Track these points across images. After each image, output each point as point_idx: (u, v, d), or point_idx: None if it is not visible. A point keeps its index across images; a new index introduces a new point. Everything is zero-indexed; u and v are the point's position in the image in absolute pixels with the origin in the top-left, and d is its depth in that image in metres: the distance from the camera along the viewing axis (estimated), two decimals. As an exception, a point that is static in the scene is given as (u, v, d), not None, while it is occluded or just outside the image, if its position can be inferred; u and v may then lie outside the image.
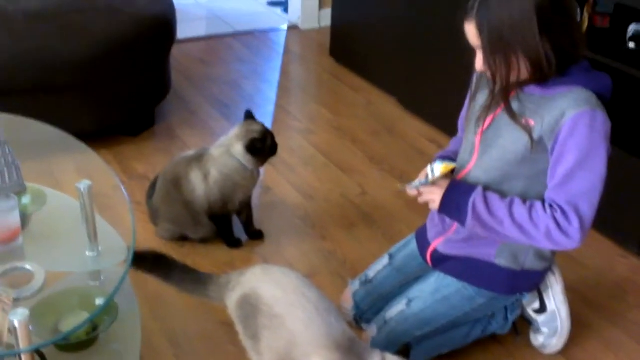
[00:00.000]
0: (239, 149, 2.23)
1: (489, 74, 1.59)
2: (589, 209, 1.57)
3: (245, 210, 2.39)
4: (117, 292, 1.53)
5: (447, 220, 1.78)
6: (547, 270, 1.84)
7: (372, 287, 1.95)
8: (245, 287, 1.67)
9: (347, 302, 1.99)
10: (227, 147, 2.26)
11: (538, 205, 1.59)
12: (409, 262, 1.94)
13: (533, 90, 1.60)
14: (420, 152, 2.95)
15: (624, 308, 2.12)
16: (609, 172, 2.29)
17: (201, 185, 2.26)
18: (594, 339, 2.00)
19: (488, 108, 1.65)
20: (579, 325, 1.98)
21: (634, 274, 2.25)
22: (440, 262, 1.85)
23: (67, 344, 1.67)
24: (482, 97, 1.71)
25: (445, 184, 1.70)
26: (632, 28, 2.44)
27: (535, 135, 1.58)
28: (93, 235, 1.74)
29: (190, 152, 2.36)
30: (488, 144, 1.68)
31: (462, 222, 1.66)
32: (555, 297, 1.90)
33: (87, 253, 1.74)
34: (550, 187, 1.60)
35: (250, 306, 1.63)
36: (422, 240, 1.92)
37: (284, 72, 3.80)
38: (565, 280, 1.92)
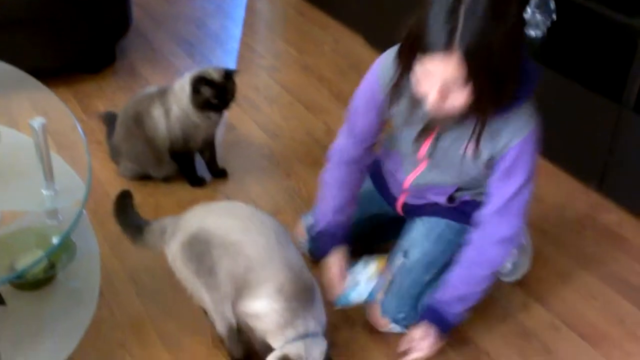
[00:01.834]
0: (187, 89, 2.16)
1: (474, 105, 1.46)
2: (527, 210, 1.66)
3: (209, 148, 2.36)
4: (72, 229, 1.51)
5: (400, 180, 1.81)
6: None
7: None
8: (189, 229, 1.65)
9: (302, 235, 1.99)
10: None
11: (485, 249, 1.67)
12: (367, 195, 1.92)
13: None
14: (386, 90, 2.92)
15: (583, 242, 2.16)
16: (572, 110, 2.32)
17: (163, 122, 2.22)
18: (552, 272, 2.04)
19: (423, 133, 1.63)
20: (537, 258, 2.01)
21: (593, 209, 2.29)
22: (414, 210, 1.85)
23: (24, 283, 1.66)
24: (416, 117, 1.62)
25: (420, 333, 1.71)
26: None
27: (481, 159, 1.60)
28: (49, 174, 1.70)
29: (153, 88, 2.30)
30: (435, 157, 1.67)
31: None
32: None
33: (44, 192, 1.71)
34: (496, 207, 1.63)
35: (201, 243, 1.62)
36: (386, 192, 1.91)
37: (250, 9, 3.71)
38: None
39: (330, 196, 1.84)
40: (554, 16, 2.54)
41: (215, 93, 2.14)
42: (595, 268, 2.06)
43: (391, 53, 1.62)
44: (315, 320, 1.61)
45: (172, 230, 1.68)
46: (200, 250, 1.62)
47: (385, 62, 1.64)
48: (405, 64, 1.50)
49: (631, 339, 1.84)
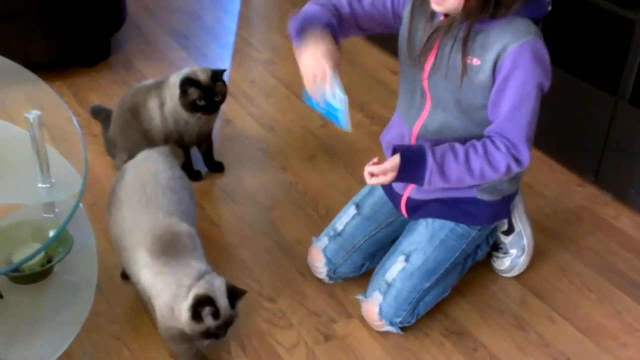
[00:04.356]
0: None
1: (461, 7, 1.49)
2: (532, 133, 1.61)
3: (205, 142, 2.35)
4: (68, 222, 1.51)
5: None
6: (518, 190, 1.87)
7: (343, 240, 1.89)
8: (129, 162, 1.85)
9: (318, 259, 1.91)
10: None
11: (491, 148, 1.60)
12: (378, 209, 1.90)
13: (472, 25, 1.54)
14: (381, 82, 2.92)
15: (579, 235, 2.16)
16: (568, 103, 2.32)
17: (157, 113, 2.21)
18: (549, 265, 2.04)
19: (426, 47, 1.60)
20: (534, 251, 2.01)
21: (590, 202, 2.29)
22: (418, 208, 1.81)
23: (21, 276, 1.66)
24: (419, 33, 1.63)
25: (394, 162, 1.60)
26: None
27: (483, 74, 1.56)
28: (45, 167, 1.70)
29: (151, 81, 2.30)
30: (435, 85, 1.64)
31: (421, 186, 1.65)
32: (520, 217, 1.94)
33: (39, 185, 1.71)
34: (498, 122, 1.60)
35: (115, 182, 1.80)
36: (391, 193, 1.87)
37: (245, 2, 3.70)
38: (522, 208, 1.95)
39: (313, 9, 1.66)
40: (549, 7, 2.54)
41: (202, 95, 2.12)
42: (592, 260, 2.07)
43: None
44: (201, 262, 1.64)
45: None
46: (113, 186, 1.81)
47: None
48: None
49: (627, 331, 1.85)
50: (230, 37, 3.31)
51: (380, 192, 1.91)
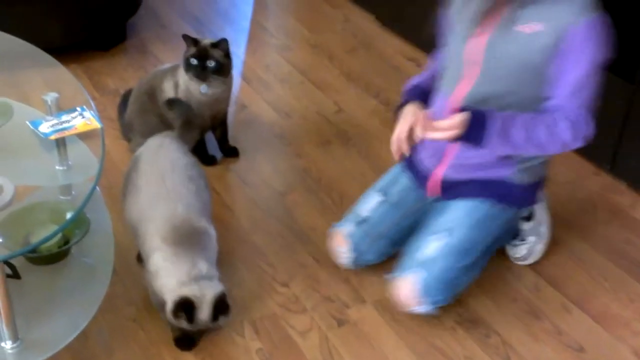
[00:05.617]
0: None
1: None
2: (594, 107, 1.64)
3: (220, 127, 2.36)
4: (86, 204, 1.52)
5: (442, 145, 1.75)
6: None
7: (370, 226, 1.86)
8: (141, 148, 1.88)
9: (343, 244, 1.87)
10: None
11: (556, 120, 1.61)
12: (405, 195, 1.88)
13: None
14: (397, 69, 2.91)
15: (594, 223, 2.16)
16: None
17: (172, 95, 2.22)
18: (563, 253, 2.04)
19: (486, 13, 1.61)
20: (550, 240, 2.01)
21: (605, 190, 2.28)
22: (452, 188, 1.80)
23: (38, 257, 1.67)
24: (468, 3, 1.65)
25: (461, 118, 1.59)
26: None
27: (544, 41, 1.57)
28: (62, 149, 1.71)
29: (168, 65, 2.32)
30: (493, 54, 1.64)
31: (481, 148, 1.64)
32: (540, 203, 1.94)
33: (57, 167, 1.72)
34: (563, 95, 1.61)
35: (130, 169, 1.82)
36: (418, 172, 1.86)
37: (260, -13, 3.68)
38: (537, 196, 1.95)
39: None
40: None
41: (196, 53, 2.15)
42: (606, 249, 2.06)
43: None
44: (209, 264, 1.66)
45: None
46: (129, 172, 1.84)
47: None
48: None
49: (641, 320, 1.85)
50: (246, 22, 3.31)
51: (405, 179, 1.90)
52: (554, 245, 2.04)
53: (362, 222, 1.87)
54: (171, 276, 1.63)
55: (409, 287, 1.73)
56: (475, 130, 1.61)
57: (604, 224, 2.16)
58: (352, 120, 2.59)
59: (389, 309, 1.83)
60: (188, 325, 1.62)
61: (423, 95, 1.79)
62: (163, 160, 1.81)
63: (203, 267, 1.65)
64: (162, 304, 1.65)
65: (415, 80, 1.88)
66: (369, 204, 1.90)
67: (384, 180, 1.94)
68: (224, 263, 1.82)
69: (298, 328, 1.79)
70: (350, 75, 2.85)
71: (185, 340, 1.70)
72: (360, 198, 1.94)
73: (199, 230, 1.70)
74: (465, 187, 1.79)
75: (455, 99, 1.72)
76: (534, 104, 1.67)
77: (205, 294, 1.61)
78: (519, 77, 1.65)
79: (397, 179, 1.92)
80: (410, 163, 1.90)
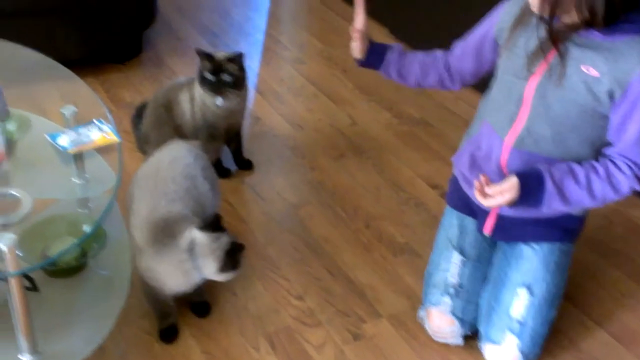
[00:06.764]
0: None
1: (547, 12, 1.46)
2: None
3: (235, 139, 2.36)
4: (104, 218, 1.52)
5: (497, 179, 1.65)
6: None
7: (467, 293, 1.74)
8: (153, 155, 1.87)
9: (450, 323, 1.74)
10: None
11: (614, 170, 1.55)
12: (479, 246, 1.80)
13: (593, 35, 1.48)
14: (411, 83, 2.91)
15: (611, 239, 2.14)
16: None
17: (188, 108, 2.23)
18: (581, 270, 2.02)
19: (539, 53, 1.54)
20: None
21: (623, 206, 2.26)
22: (508, 229, 1.73)
23: (56, 270, 1.68)
24: (525, 41, 1.59)
25: (512, 183, 1.54)
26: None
27: (601, 87, 1.50)
28: (80, 162, 1.72)
29: (184, 78, 2.33)
30: (545, 94, 1.57)
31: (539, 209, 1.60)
32: None
33: (74, 180, 1.73)
34: (623, 145, 1.54)
35: (138, 173, 1.81)
36: (478, 211, 1.77)
37: (275, 0, 3.71)
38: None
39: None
40: None
41: (211, 68, 2.14)
42: (624, 265, 2.05)
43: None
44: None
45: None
46: (136, 177, 1.81)
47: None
48: None
49: (660, 337, 1.83)
50: (260, 35, 3.32)
51: (471, 226, 1.81)
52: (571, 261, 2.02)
53: (459, 291, 1.75)
54: (171, 266, 1.62)
55: (509, 355, 1.68)
56: (528, 194, 1.56)
57: (620, 239, 2.15)
58: (366, 133, 2.60)
59: (405, 324, 1.83)
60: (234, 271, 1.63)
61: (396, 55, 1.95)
62: (165, 157, 1.80)
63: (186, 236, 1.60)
64: (152, 293, 1.67)
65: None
66: (451, 267, 1.77)
67: (451, 234, 1.82)
68: (238, 276, 1.82)
69: (313, 342, 1.79)
70: (364, 89, 2.86)
71: (170, 332, 1.74)
72: (434, 260, 1.82)
73: (176, 219, 1.64)
74: (527, 229, 1.73)
75: (509, 139, 1.64)
76: (583, 149, 1.61)
77: (215, 248, 1.59)
78: (572, 121, 1.58)
79: (464, 229, 1.81)
80: (463, 202, 1.82)
